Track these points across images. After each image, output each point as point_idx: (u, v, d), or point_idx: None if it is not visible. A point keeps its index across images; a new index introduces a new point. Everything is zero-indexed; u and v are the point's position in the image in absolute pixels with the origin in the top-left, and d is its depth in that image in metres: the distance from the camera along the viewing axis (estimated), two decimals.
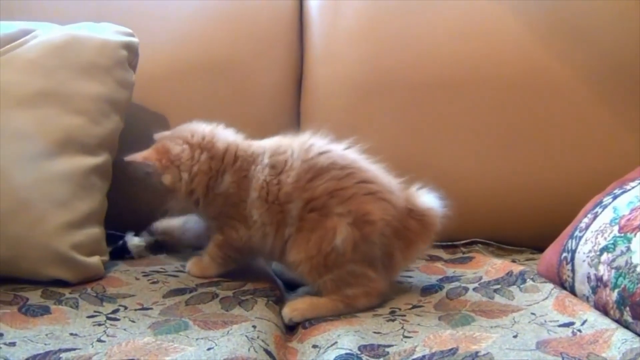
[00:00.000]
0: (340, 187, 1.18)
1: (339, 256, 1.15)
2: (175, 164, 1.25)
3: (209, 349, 0.95)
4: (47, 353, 0.95)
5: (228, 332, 1.03)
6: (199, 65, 1.64)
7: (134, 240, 1.44)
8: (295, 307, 1.17)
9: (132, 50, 1.46)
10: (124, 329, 1.05)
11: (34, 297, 1.17)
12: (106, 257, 1.33)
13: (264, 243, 1.23)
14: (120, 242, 1.43)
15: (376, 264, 1.19)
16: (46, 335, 1.02)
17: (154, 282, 1.28)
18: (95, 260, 1.28)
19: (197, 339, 0.99)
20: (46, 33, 1.39)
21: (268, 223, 1.21)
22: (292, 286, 1.34)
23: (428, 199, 1.24)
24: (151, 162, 1.25)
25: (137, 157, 1.26)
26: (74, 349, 0.97)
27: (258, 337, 1.01)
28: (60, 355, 0.94)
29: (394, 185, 1.24)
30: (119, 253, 1.41)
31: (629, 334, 0.97)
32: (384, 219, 1.17)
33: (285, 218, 1.19)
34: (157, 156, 1.26)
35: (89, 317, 1.10)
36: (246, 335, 1.01)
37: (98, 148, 1.35)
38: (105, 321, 1.08)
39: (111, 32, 1.45)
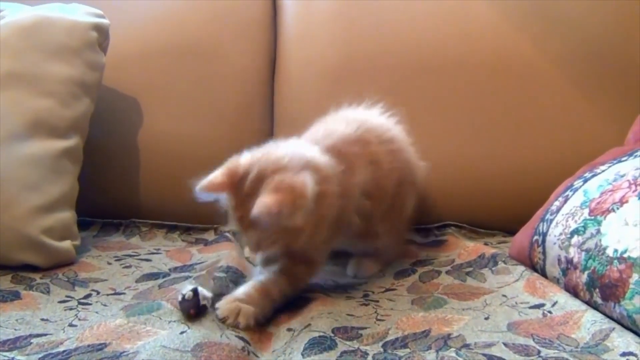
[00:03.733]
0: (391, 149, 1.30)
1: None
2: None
3: (181, 333, 0.95)
4: (17, 338, 0.94)
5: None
6: (171, 47, 1.62)
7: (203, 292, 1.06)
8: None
9: (102, 32, 1.44)
10: (96, 312, 1.04)
11: (4, 282, 1.16)
12: (78, 242, 1.32)
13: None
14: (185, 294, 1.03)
15: None
16: (16, 320, 1.01)
17: (126, 267, 1.27)
18: (66, 244, 1.27)
19: (169, 322, 0.99)
20: (14, 14, 1.36)
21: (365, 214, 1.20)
22: None
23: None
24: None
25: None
26: (45, 334, 0.96)
27: None
28: (31, 341, 0.93)
29: None
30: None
31: (598, 315, 0.98)
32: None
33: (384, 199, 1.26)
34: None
35: (60, 302, 1.09)
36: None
37: (68, 131, 1.33)
38: (77, 306, 1.08)
39: (81, 14, 1.42)
